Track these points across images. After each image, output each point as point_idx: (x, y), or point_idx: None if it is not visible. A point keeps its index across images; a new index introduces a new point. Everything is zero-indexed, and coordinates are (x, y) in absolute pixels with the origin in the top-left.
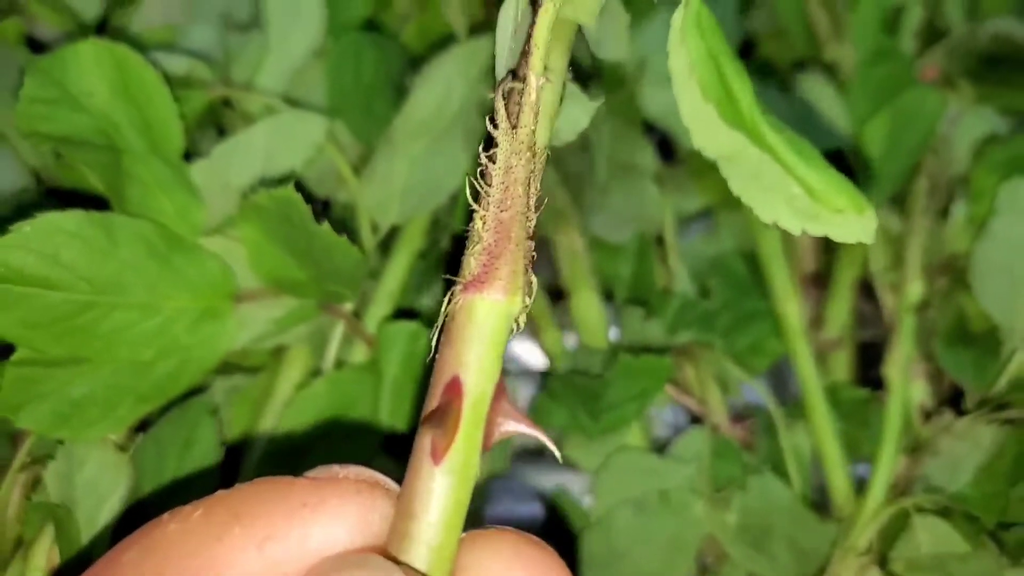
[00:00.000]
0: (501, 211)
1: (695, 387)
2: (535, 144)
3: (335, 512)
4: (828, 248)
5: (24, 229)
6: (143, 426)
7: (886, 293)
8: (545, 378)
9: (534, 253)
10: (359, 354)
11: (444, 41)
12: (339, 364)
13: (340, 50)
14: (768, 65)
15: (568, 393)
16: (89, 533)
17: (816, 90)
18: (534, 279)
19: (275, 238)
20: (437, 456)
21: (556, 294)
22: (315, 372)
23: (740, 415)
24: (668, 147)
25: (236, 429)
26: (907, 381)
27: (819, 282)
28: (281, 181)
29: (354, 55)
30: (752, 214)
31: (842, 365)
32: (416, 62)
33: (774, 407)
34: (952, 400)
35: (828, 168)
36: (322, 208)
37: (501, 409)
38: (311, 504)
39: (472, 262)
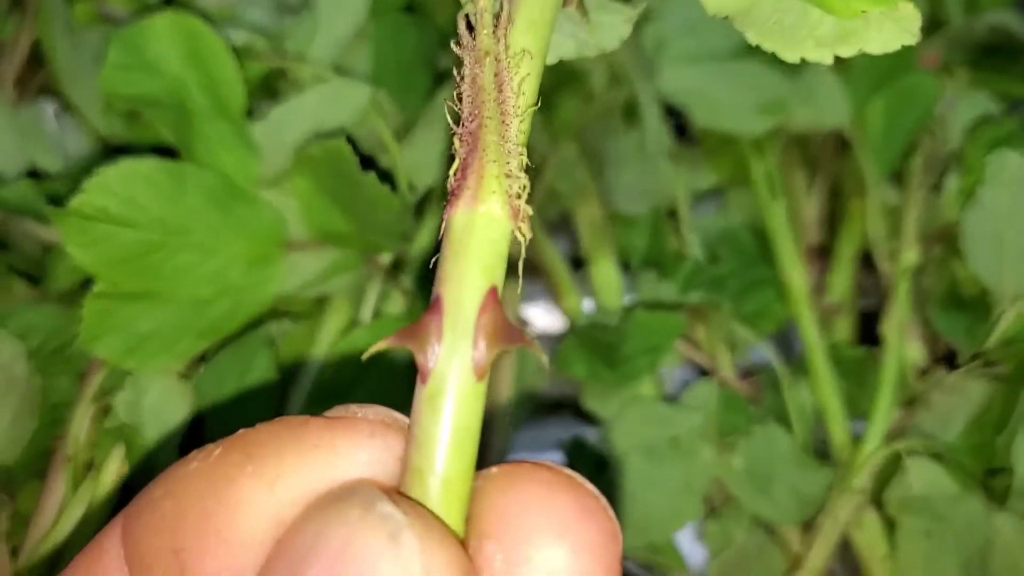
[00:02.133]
0: (471, 122)
1: (705, 345)
2: (501, 49)
3: (347, 452)
4: (832, 221)
5: (108, 173)
6: (201, 360)
7: (884, 261)
8: (564, 338)
9: (526, 160)
10: (395, 307)
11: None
12: (376, 315)
13: (384, 29)
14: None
15: (587, 346)
16: (155, 452)
17: (819, 75)
18: (525, 183)
19: (324, 188)
20: (423, 378)
21: (577, 263)
22: (354, 322)
23: (747, 372)
24: (683, 127)
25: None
26: (903, 339)
27: (822, 253)
28: (332, 137)
29: (396, 34)
30: (759, 191)
31: (843, 328)
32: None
33: (779, 365)
34: (945, 360)
35: None
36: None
37: (494, 324)
38: (323, 444)
39: (451, 180)
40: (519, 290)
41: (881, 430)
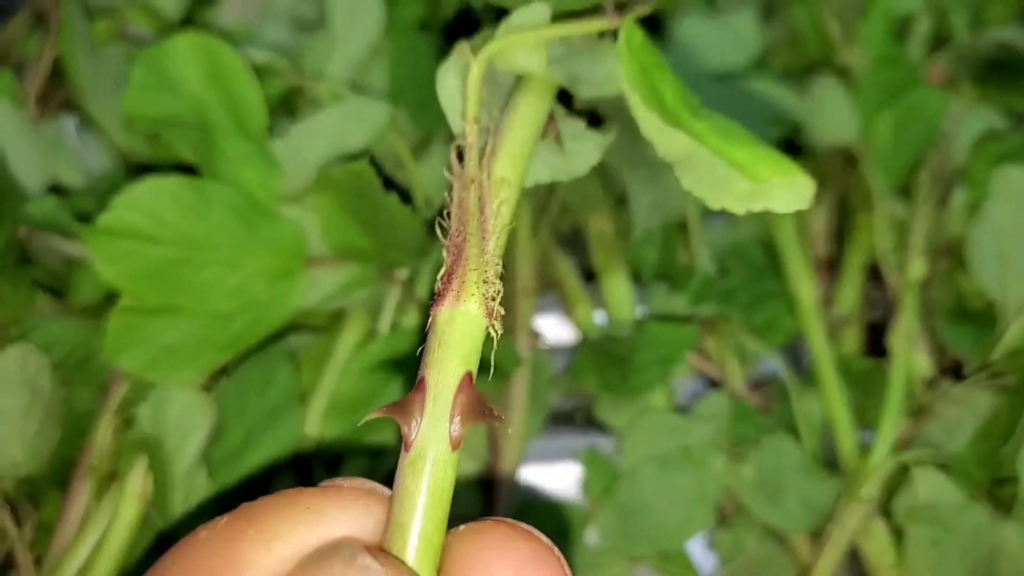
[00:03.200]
0: (457, 237)
1: (716, 357)
2: (484, 178)
3: (333, 514)
4: (840, 234)
5: (135, 190)
6: (221, 373)
7: (892, 274)
8: (577, 350)
9: (501, 268)
10: (410, 319)
11: None
12: (393, 327)
13: (400, 47)
14: (786, 70)
15: (599, 357)
16: (178, 463)
17: (828, 91)
18: (499, 289)
19: (345, 207)
20: (406, 447)
21: (589, 276)
22: (371, 334)
23: (757, 384)
24: None
25: (303, 381)
26: (910, 350)
27: (831, 266)
28: (353, 158)
29: (412, 52)
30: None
31: (851, 340)
32: None
33: (788, 376)
34: (952, 371)
35: (757, 145)
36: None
37: (469, 403)
38: (313, 508)
39: (438, 283)
40: (533, 303)
41: (889, 441)
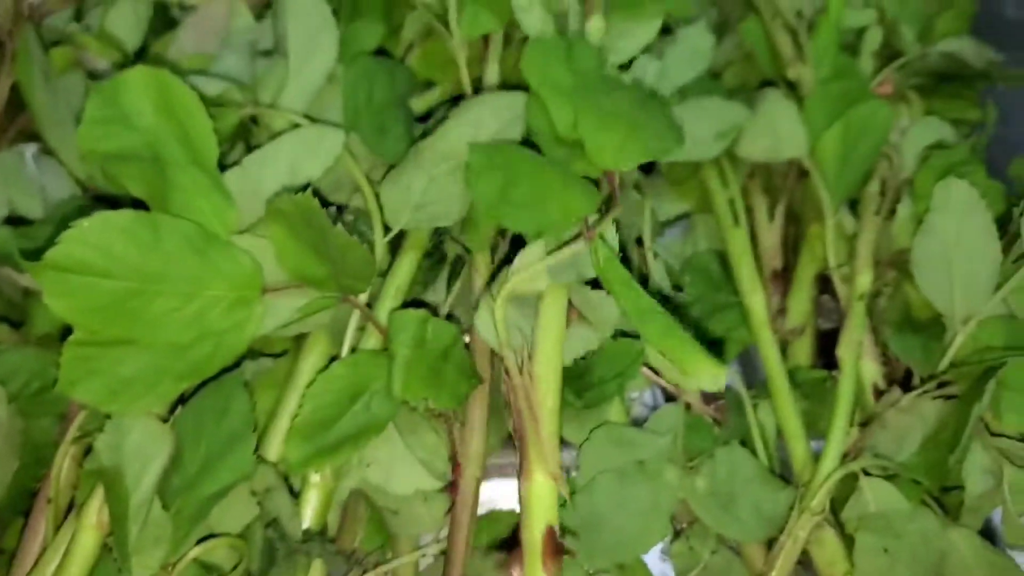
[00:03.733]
0: (519, 429)
1: (670, 371)
2: (528, 382)
3: None
4: (792, 247)
5: (83, 225)
6: (180, 401)
7: (842, 285)
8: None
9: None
10: (371, 341)
11: (445, 66)
12: (353, 350)
13: (355, 72)
14: (738, 86)
15: None
16: (136, 494)
17: (777, 105)
18: (559, 459)
19: (298, 237)
20: None
21: None
22: (333, 357)
23: (711, 396)
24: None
25: (262, 406)
26: (857, 361)
27: (783, 277)
28: (302, 189)
29: (367, 77)
30: (722, 218)
31: (803, 350)
32: (422, 86)
33: (742, 388)
34: (902, 380)
35: (688, 345)
36: (337, 211)
37: (552, 546)
38: None
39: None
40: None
41: (837, 451)
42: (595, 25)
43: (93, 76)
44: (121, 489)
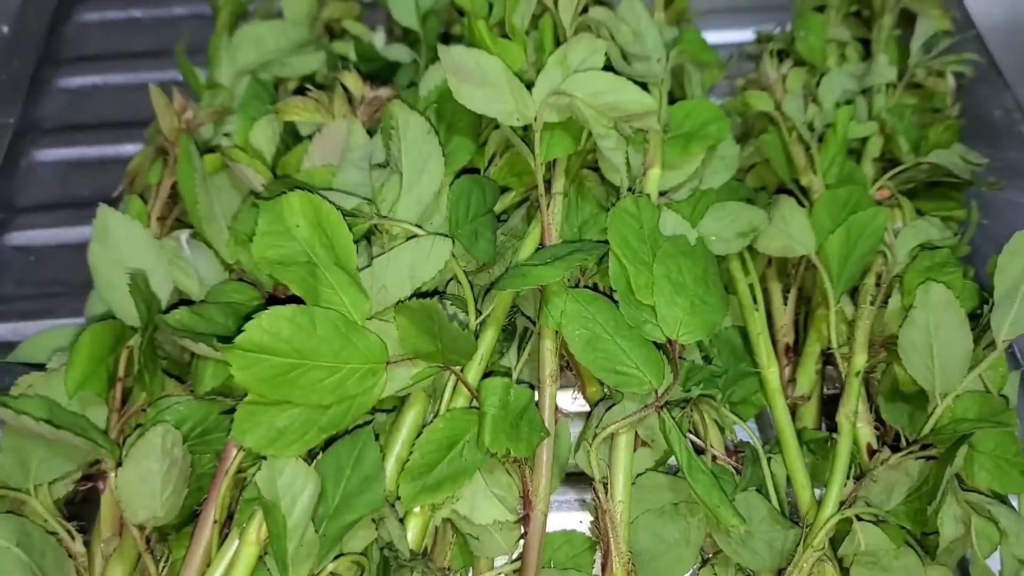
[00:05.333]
0: (604, 540)
1: (700, 428)
2: (611, 506)
3: None
4: (801, 326)
5: (261, 317)
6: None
7: (842, 362)
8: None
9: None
10: (459, 401)
11: (520, 174)
12: (448, 408)
13: (456, 190)
14: (758, 188)
15: None
16: (291, 518)
17: (789, 210)
18: (632, 563)
19: (418, 326)
20: None
21: None
22: (431, 412)
23: (732, 450)
24: None
25: None
26: (854, 426)
27: (794, 351)
28: (424, 292)
29: (465, 193)
30: (744, 301)
31: (810, 413)
32: (504, 190)
33: (758, 444)
34: (893, 442)
35: (722, 499)
36: (440, 297)
37: None
38: None
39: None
40: (557, 383)
41: (836, 499)
42: (655, 174)
43: (239, 178)
44: (278, 515)
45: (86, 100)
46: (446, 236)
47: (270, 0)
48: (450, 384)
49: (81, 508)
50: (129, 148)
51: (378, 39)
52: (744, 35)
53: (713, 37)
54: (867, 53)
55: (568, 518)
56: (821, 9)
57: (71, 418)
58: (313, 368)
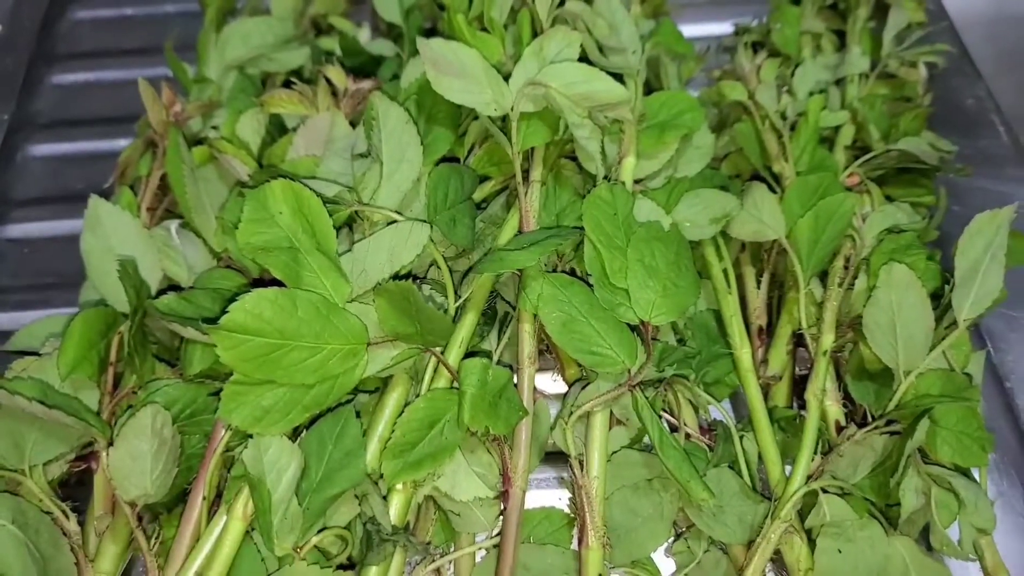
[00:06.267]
0: (581, 512)
1: (675, 407)
2: (587, 481)
3: None
4: (774, 309)
5: (244, 299)
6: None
7: (812, 342)
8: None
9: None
10: (441, 382)
11: (500, 164)
12: (429, 388)
13: (435, 177)
14: (732, 175)
15: None
16: (276, 493)
17: (761, 196)
18: (606, 532)
19: (396, 308)
20: None
21: None
22: (414, 393)
23: (707, 428)
24: None
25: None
26: (821, 404)
27: (767, 333)
28: (403, 276)
29: (443, 181)
30: (718, 285)
31: (781, 393)
32: (483, 178)
33: (731, 421)
34: (861, 418)
35: (692, 474)
36: (417, 281)
37: None
38: None
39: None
40: (535, 365)
41: (803, 473)
42: (629, 163)
43: (225, 170)
44: (264, 490)
45: (79, 96)
46: (424, 222)
47: None
48: (431, 366)
49: (76, 490)
50: (121, 143)
51: (363, 35)
52: (723, 28)
53: (692, 30)
54: (841, 44)
55: (547, 495)
56: (797, 2)
57: (63, 399)
58: (295, 348)
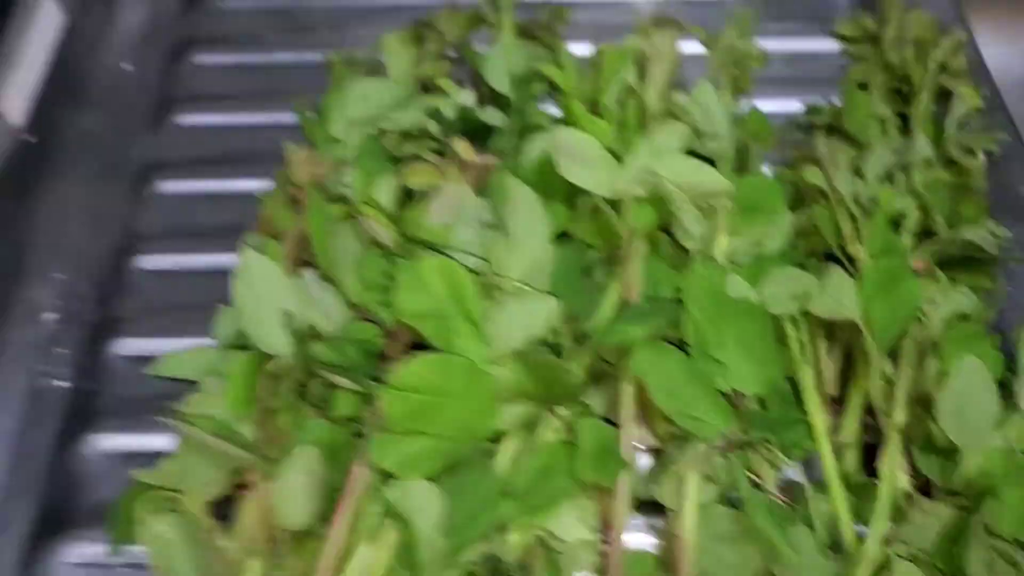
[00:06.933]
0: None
1: (756, 466)
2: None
3: None
4: (846, 379)
5: (411, 363)
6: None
7: (882, 416)
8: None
9: None
10: (550, 433)
11: (605, 236)
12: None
13: (558, 252)
14: (810, 253)
15: None
16: (422, 531)
17: (837, 278)
18: None
19: (533, 374)
20: None
21: None
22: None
23: (784, 488)
24: None
25: None
26: (894, 474)
27: (840, 401)
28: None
29: (565, 256)
30: (795, 355)
31: (851, 458)
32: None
33: (807, 484)
34: (925, 488)
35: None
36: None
37: None
38: None
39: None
40: (635, 424)
41: (878, 537)
42: (723, 242)
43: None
44: (411, 528)
45: (201, 137)
46: (552, 295)
47: (373, 53)
48: (552, 421)
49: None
50: (240, 183)
51: (466, 97)
52: (788, 104)
53: (761, 106)
54: (904, 126)
55: (636, 540)
56: (864, 85)
57: (233, 434)
58: (445, 407)
